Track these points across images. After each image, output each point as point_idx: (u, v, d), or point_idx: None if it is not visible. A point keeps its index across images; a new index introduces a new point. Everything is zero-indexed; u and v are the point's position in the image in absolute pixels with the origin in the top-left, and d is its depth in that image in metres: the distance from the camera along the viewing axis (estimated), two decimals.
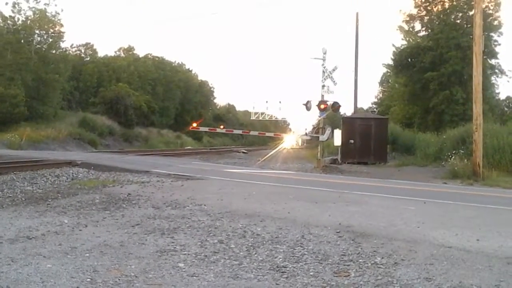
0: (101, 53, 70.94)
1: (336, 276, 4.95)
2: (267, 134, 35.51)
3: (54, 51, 48.47)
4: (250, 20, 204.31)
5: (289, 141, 57.32)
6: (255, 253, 5.74)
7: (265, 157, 35.37)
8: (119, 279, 4.62)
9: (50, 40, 48.09)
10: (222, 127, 70.20)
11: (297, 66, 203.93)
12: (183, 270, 5.01)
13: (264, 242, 6.30)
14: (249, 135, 70.80)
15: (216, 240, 6.35)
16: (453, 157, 22.98)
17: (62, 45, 51.14)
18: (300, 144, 67.80)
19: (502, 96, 52.70)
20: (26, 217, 7.69)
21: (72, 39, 79.64)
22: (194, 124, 54.20)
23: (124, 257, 5.39)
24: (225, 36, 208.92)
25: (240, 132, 46.80)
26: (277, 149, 43.28)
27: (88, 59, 66.21)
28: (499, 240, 6.84)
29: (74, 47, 64.92)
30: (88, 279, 4.60)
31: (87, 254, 5.46)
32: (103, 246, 5.86)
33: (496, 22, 40.46)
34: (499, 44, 41.55)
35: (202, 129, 59.83)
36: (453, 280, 4.87)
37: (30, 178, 13.61)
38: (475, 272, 5.18)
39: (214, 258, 5.47)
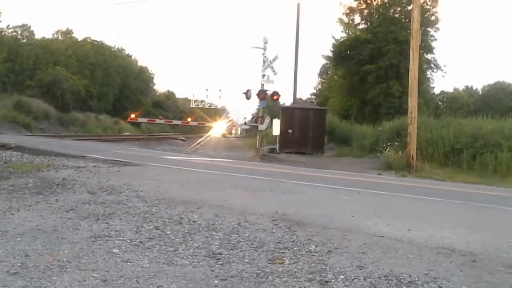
0: (38, 35, 69.29)
1: (271, 263, 4.99)
2: (207, 124, 35.61)
3: None
4: (190, 6, 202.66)
5: (219, 129, 57.28)
6: (191, 240, 5.73)
7: (194, 145, 35.40)
8: (51, 264, 4.53)
9: None
10: (161, 117, 69.54)
11: (238, 55, 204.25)
12: (117, 255, 4.95)
13: (200, 229, 6.29)
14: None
15: (152, 226, 6.30)
16: (388, 149, 23.46)
17: None
18: (239, 133, 68.00)
19: (436, 91, 54.16)
20: None
21: (8, 20, 77.47)
22: (133, 116, 53.56)
23: (57, 242, 5.29)
24: (166, 22, 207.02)
25: (179, 122, 46.74)
26: (204, 137, 43.40)
27: (24, 41, 64.51)
28: (430, 230, 7.02)
29: (10, 28, 63.25)
30: (19, 264, 4.49)
31: (19, 239, 5.33)
32: (35, 230, 5.73)
33: (433, 18, 41.38)
34: (436, 39, 42.52)
35: (140, 120, 59.25)
36: (384, 268, 4.98)
37: None
38: (406, 261, 5.31)
39: (149, 244, 5.43)
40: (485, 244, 6.35)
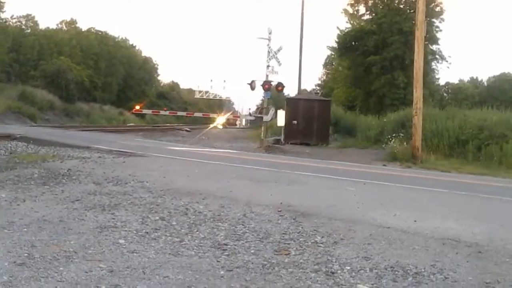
0: (42, 26, 69.20)
1: (277, 254, 4.99)
2: (211, 115, 35.79)
3: None
4: None
5: (219, 121, 57.72)
6: (197, 231, 5.73)
7: (198, 135, 35.38)
8: (57, 255, 4.54)
9: None
10: (165, 109, 69.59)
11: (243, 45, 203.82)
12: (124, 246, 4.96)
13: (206, 220, 6.29)
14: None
15: (158, 217, 6.30)
16: (393, 140, 23.44)
17: (2, 16, 49.69)
18: (243, 124, 67.99)
19: (441, 82, 54.06)
20: None
21: (12, 10, 77.66)
22: (137, 107, 53.68)
23: (63, 233, 5.30)
24: (170, 12, 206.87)
25: (184, 114, 46.94)
26: (209, 128, 43.60)
27: (28, 31, 64.44)
28: (436, 221, 7.01)
29: (14, 18, 63.24)
30: (26, 254, 4.51)
31: (25, 229, 5.34)
32: (41, 221, 5.74)
33: (438, 8, 41.28)
34: (441, 30, 42.47)
35: (145, 111, 59.33)
36: (390, 259, 4.98)
37: None
38: (411, 252, 5.30)
39: (155, 235, 5.43)
40: (491, 235, 6.35)
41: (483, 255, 5.36)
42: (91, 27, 75.46)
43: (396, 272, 4.60)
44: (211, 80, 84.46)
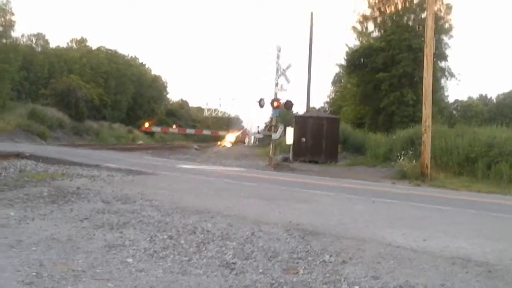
0: (52, 44, 69.90)
1: (285, 273, 4.97)
2: (220, 133, 36.01)
3: (4, 41, 47.29)
4: (204, 16, 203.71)
5: (228, 139, 57.80)
6: (205, 249, 5.71)
7: (207, 153, 35.36)
8: (65, 274, 4.53)
9: (0, 29, 46.88)
10: (174, 127, 69.87)
11: (251, 63, 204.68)
12: (132, 265, 4.95)
13: (214, 239, 6.27)
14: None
15: (166, 235, 6.29)
16: (402, 158, 23.37)
17: (13, 34, 49.98)
18: (252, 142, 68.08)
19: (451, 99, 53.89)
20: None
21: (23, 29, 78.33)
22: (146, 125, 53.80)
23: (71, 252, 5.29)
24: (180, 31, 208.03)
25: (193, 131, 47.17)
26: (217, 146, 43.70)
27: (39, 49, 64.97)
28: (445, 240, 6.97)
29: (25, 37, 63.79)
30: (34, 273, 4.50)
31: (34, 248, 5.34)
32: (50, 240, 5.73)
33: (447, 25, 41.34)
34: (450, 47, 42.49)
35: (154, 129, 59.45)
36: (399, 279, 4.94)
37: None
38: (421, 272, 5.26)
39: (163, 254, 5.42)
40: (501, 254, 6.30)
41: (493, 275, 5.31)
42: (101, 46, 76.31)
43: None
44: (220, 98, 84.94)
